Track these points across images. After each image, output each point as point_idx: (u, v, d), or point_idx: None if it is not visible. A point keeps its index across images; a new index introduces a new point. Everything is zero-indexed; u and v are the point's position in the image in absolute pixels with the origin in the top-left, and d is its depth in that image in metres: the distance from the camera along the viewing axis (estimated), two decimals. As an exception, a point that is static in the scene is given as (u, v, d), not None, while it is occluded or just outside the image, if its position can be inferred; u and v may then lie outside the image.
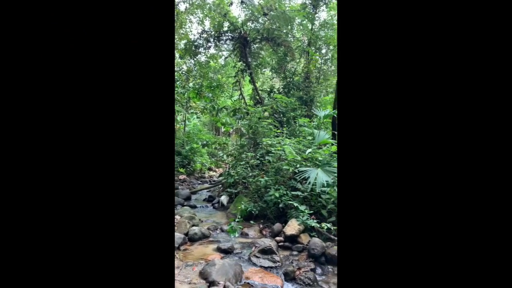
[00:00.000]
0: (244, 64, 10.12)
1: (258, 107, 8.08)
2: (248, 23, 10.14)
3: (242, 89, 11.35)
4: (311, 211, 4.50)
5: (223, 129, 16.33)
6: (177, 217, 5.19)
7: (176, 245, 3.97)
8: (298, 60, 10.86)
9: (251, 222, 5.13)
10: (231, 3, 10.28)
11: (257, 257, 3.63)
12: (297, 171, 5.15)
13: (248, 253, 3.78)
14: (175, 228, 4.54)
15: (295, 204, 4.60)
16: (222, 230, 4.88)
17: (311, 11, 10.19)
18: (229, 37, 10.48)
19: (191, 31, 11.84)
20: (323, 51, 11.26)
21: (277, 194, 4.99)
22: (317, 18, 10.53)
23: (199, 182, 10.90)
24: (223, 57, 12.55)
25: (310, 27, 10.47)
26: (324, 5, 10.23)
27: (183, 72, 11.90)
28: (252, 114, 7.51)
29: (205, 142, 13.71)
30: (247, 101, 11.03)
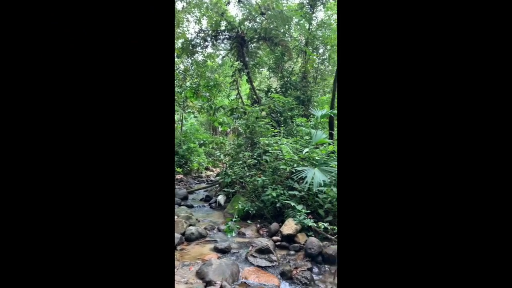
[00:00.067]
0: (242, 64, 10.11)
1: (256, 106, 8.09)
2: (246, 23, 10.14)
3: (240, 88, 11.35)
4: (308, 211, 4.52)
5: (220, 129, 16.31)
6: (174, 216, 5.18)
7: (173, 245, 3.96)
8: (295, 60, 10.88)
9: (248, 221, 5.14)
10: (229, 2, 10.26)
11: (254, 256, 3.64)
12: (294, 171, 5.17)
13: (245, 253, 3.79)
14: (172, 227, 4.52)
15: (292, 204, 4.61)
16: (219, 230, 4.88)
17: (309, 10, 10.21)
18: (227, 36, 10.47)
19: (188, 30, 11.75)
20: (321, 50, 11.29)
21: (274, 194, 5.00)
22: (314, 18, 10.55)
23: (196, 181, 10.89)
24: (220, 56, 12.54)
25: (307, 27, 10.49)
26: (322, 5, 10.26)
27: (180, 71, 11.86)
28: (250, 114, 7.52)
29: (202, 142, 13.67)
30: (245, 101, 11.03)
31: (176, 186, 8.95)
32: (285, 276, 3.19)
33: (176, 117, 13.73)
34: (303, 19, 10.37)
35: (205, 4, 10.50)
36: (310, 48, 10.51)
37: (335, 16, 10.23)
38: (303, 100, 9.42)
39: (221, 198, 6.79)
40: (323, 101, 10.28)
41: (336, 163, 4.89)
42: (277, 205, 4.94)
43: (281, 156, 5.75)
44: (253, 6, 9.88)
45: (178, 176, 10.49)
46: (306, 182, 4.69)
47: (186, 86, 12.12)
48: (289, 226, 4.25)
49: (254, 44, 10.58)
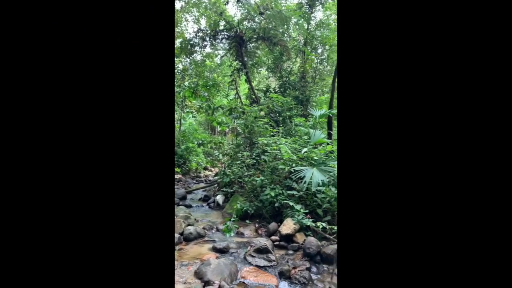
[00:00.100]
0: (240, 63, 10.11)
1: (254, 106, 8.09)
2: (244, 22, 10.13)
3: (238, 88, 11.35)
4: (307, 210, 4.53)
5: (219, 129, 16.30)
6: (172, 216, 5.17)
7: (172, 245, 3.95)
8: (294, 60, 10.88)
9: (247, 221, 5.14)
10: (227, 2, 10.25)
11: (252, 256, 3.64)
12: (292, 171, 5.17)
13: (244, 253, 3.79)
14: (171, 227, 4.51)
15: (291, 203, 4.62)
16: (218, 230, 4.88)
17: (307, 10, 10.22)
18: (225, 36, 10.46)
19: (186, 30, 11.74)
20: (319, 50, 11.31)
21: (272, 194, 5.00)
22: (313, 18, 10.57)
23: (195, 181, 10.88)
24: (219, 56, 12.53)
25: (306, 27, 10.50)
26: (320, 5, 10.27)
27: (179, 71, 11.84)
28: (248, 114, 7.52)
29: (200, 141, 13.66)
30: (243, 100, 11.02)
31: (175, 186, 8.94)
32: (284, 275, 3.19)
33: (175, 116, 13.71)
34: (302, 19, 10.39)
35: (204, 4, 10.49)
36: (309, 48, 10.51)
37: (333, 16, 10.26)
38: (302, 100, 9.42)
39: (219, 198, 6.78)
40: (321, 101, 10.30)
41: (334, 163, 4.90)
42: (276, 204, 4.94)
43: (279, 156, 5.75)
44: (251, 5, 9.87)
45: (176, 176, 10.48)
46: (305, 182, 4.70)
47: (185, 86, 12.10)
48: (288, 226, 4.25)
49: (252, 44, 10.58)
